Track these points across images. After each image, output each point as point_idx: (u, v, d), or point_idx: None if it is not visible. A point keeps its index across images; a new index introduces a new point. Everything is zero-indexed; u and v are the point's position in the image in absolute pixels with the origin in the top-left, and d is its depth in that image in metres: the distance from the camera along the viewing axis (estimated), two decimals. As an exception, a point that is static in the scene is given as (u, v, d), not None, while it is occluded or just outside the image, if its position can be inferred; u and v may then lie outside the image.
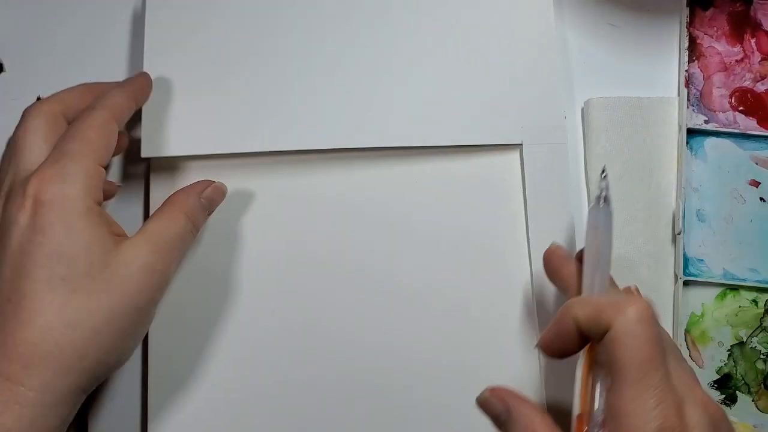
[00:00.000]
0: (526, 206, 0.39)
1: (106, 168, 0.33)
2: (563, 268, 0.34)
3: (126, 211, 0.40)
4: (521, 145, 0.39)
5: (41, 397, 0.29)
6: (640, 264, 0.39)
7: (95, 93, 0.35)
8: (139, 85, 0.37)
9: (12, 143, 0.33)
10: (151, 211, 0.38)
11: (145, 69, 0.39)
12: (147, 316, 0.33)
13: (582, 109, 0.42)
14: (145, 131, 0.39)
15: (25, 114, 0.34)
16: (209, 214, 0.36)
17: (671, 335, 0.39)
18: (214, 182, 0.36)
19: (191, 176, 0.39)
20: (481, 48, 0.41)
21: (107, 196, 0.38)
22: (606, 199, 0.33)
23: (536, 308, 0.38)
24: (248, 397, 0.38)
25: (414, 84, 0.40)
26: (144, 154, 0.38)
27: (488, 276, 0.39)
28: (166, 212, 0.34)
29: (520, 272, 0.39)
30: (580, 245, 0.39)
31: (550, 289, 0.38)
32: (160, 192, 0.39)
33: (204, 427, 0.37)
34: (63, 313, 0.29)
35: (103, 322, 0.30)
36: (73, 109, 0.35)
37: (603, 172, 0.34)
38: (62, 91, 0.36)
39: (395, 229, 0.39)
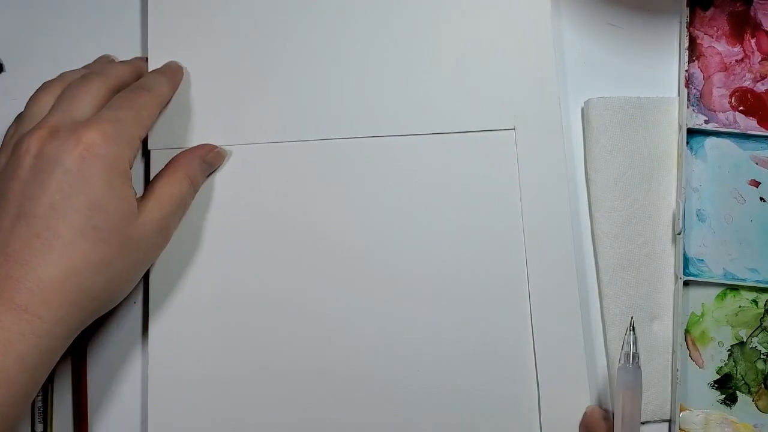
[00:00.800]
0: (520, 191, 0.39)
1: None
2: (598, 429, 0.36)
3: None
4: (514, 130, 0.40)
5: (54, 329, 0.31)
6: (640, 264, 0.39)
7: (138, 71, 0.40)
8: (179, 78, 0.41)
9: (67, 92, 0.36)
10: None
11: (150, 64, 0.41)
12: (147, 267, 0.37)
13: (582, 109, 0.42)
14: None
15: (90, 76, 0.37)
16: (208, 176, 0.40)
17: (671, 335, 0.39)
18: (216, 147, 0.40)
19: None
20: (474, 35, 0.41)
21: None
22: (635, 358, 0.35)
23: (529, 291, 0.38)
24: (245, 380, 0.38)
25: (408, 72, 0.41)
26: (151, 146, 0.40)
27: (482, 258, 0.39)
28: (172, 176, 0.37)
29: (515, 255, 0.39)
30: (575, 238, 0.40)
31: (543, 275, 0.38)
32: (159, 158, 0.40)
33: (204, 413, 0.38)
34: (88, 259, 0.32)
35: (119, 271, 0.34)
36: (122, 84, 0.38)
37: (631, 326, 0.35)
38: (116, 66, 0.39)
39: (389, 211, 0.39)
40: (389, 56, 0.41)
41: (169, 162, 0.38)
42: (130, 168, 0.35)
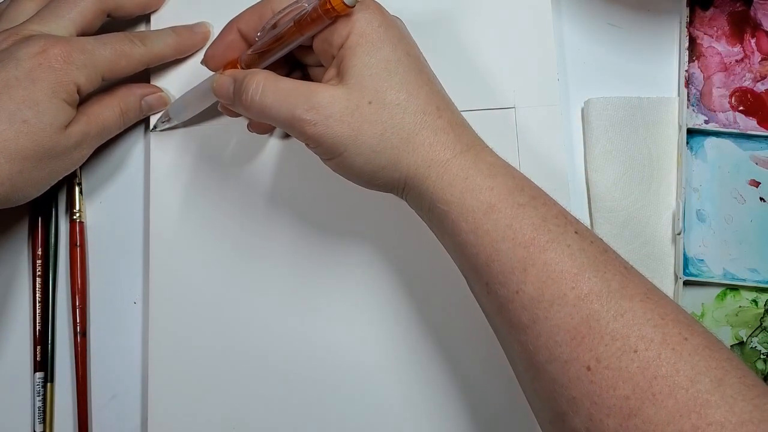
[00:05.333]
0: (520, 169, 0.39)
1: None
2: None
3: (126, 176, 0.41)
4: (514, 108, 0.40)
5: None
6: (640, 264, 0.39)
7: (146, 6, 0.41)
8: (196, 43, 0.41)
9: (54, 2, 0.37)
10: (152, 180, 0.40)
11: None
12: (53, 181, 0.37)
13: (582, 109, 0.42)
14: None
15: None
16: (144, 116, 0.40)
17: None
18: (160, 91, 0.40)
19: (189, 141, 0.41)
20: (475, 14, 0.41)
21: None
22: None
23: None
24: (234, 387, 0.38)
25: None
26: (153, 124, 0.41)
27: None
28: (107, 101, 0.38)
29: None
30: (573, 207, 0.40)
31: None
32: (160, 157, 0.40)
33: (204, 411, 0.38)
34: (8, 145, 0.33)
35: (30, 170, 0.35)
36: (119, 8, 0.39)
37: None
38: None
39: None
40: None
41: (108, 88, 0.39)
42: (78, 96, 0.36)
